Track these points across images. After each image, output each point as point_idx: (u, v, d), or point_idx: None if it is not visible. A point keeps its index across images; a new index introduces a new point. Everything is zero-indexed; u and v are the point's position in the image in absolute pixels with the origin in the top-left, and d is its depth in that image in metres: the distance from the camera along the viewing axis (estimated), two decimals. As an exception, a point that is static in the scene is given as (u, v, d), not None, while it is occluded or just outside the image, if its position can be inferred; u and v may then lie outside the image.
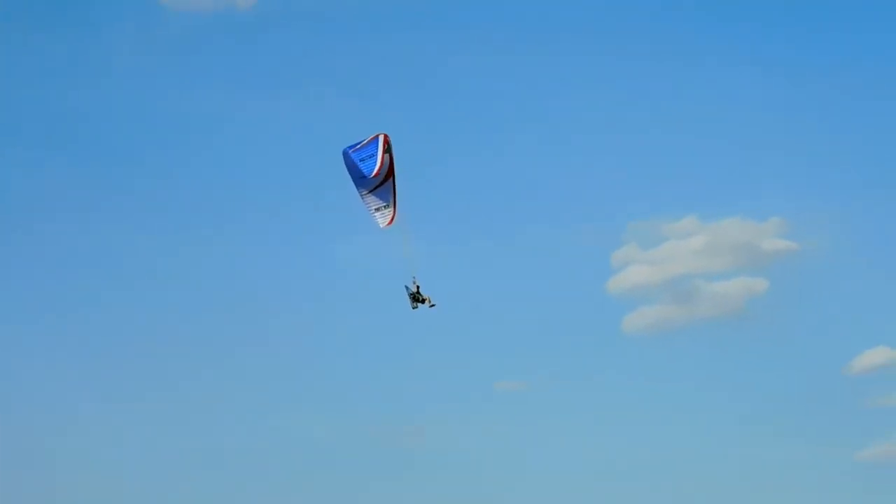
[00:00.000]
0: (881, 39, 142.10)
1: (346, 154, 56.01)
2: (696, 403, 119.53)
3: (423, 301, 60.63)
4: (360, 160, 55.21)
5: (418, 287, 60.67)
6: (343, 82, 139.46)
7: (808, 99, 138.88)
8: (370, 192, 56.53)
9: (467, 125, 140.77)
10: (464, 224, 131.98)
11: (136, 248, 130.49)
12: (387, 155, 55.04)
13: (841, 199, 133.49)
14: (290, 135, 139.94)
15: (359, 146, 55.56)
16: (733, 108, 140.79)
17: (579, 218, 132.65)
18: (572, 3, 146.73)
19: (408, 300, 60.78)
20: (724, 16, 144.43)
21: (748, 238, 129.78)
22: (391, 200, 56.52)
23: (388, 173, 55.83)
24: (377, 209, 56.92)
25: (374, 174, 54.54)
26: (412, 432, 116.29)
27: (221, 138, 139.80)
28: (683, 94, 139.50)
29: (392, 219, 56.52)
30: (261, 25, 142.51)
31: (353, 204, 57.05)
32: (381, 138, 55.06)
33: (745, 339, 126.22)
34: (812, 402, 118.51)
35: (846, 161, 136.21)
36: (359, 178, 55.97)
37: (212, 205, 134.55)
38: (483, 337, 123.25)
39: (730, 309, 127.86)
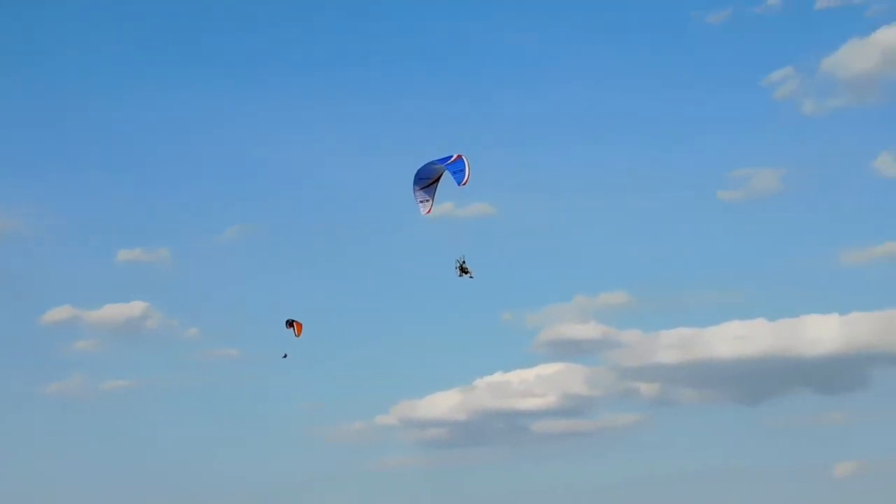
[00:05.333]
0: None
1: (433, 163, 73.28)
2: None
3: (466, 272, 78.41)
4: (453, 172, 72.09)
5: (464, 262, 78.52)
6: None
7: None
8: (421, 189, 75.52)
9: None
10: None
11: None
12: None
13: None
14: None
15: (450, 161, 72.10)
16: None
17: None
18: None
19: (455, 270, 78.57)
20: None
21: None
22: (433, 197, 75.76)
23: (438, 178, 74.93)
24: (422, 201, 75.78)
25: (462, 184, 71.44)
26: None
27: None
28: None
29: (430, 209, 75.84)
30: None
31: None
32: (465, 159, 71.87)
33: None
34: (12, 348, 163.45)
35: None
36: (421, 180, 74.95)
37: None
38: None
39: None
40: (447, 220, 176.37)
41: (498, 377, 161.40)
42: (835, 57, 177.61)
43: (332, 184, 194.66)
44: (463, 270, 78.71)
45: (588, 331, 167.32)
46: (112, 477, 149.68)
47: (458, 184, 71.64)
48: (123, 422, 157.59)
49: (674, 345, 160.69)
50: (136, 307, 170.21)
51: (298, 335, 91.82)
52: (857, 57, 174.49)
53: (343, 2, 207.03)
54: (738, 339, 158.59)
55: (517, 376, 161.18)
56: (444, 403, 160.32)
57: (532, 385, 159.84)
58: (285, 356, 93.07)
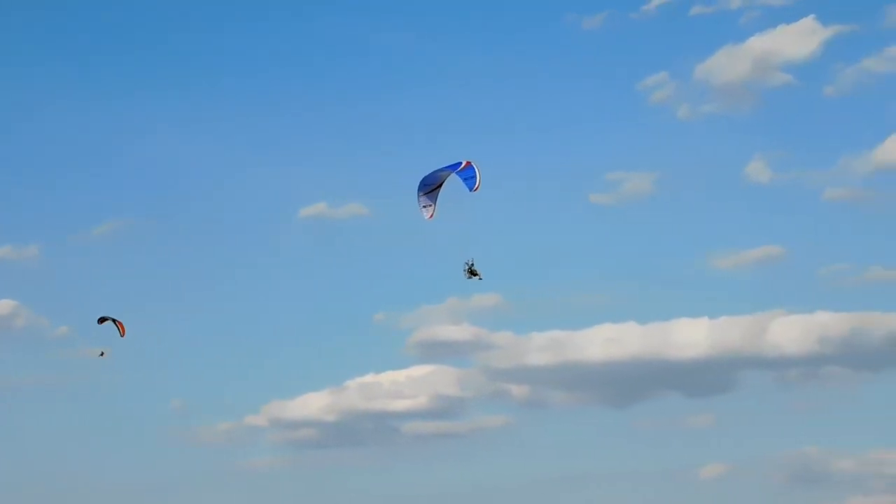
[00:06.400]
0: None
1: (440, 170, 75.33)
2: None
3: (475, 274, 79.97)
4: (465, 178, 74.07)
5: (473, 264, 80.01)
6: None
7: None
8: (425, 194, 76.91)
9: None
10: None
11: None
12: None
13: None
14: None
15: (460, 168, 74.37)
16: None
17: None
18: None
19: (464, 273, 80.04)
20: None
21: None
22: (435, 202, 77.03)
23: (442, 184, 76.72)
24: (425, 206, 77.12)
25: (474, 189, 73.60)
26: None
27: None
28: None
29: (432, 214, 77.04)
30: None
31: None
32: (475, 165, 74.22)
33: None
34: None
35: None
36: (426, 186, 76.46)
37: None
38: None
39: None
40: (321, 220, 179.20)
41: (369, 378, 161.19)
42: (709, 63, 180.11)
43: (207, 181, 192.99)
44: (472, 273, 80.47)
45: (460, 332, 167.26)
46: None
47: (470, 189, 74.09)
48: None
49: (545, 347, 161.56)
50: (5, 305, 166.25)
51: (123, 335, 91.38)
52: (730, 63, 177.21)
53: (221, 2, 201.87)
54: (608, 341, 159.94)
55: (388, 377, 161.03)
56: (314, 404, 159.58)
57: (403, 386, 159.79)
58: (102, 354, 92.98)
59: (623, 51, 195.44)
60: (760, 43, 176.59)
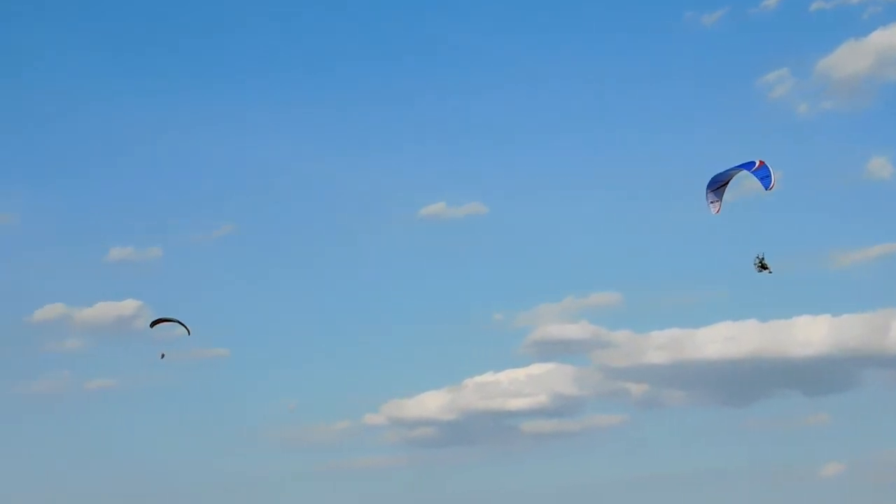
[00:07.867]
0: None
1: (731, 169, 79.01)
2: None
3: (766, 268, 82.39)
4: (760, 178, 76.46)
5: (763, 258, 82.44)
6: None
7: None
8: (713, 191, 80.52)
9: None
10: None
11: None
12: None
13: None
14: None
15: (755, 167, 77.00)
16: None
17: None
18: None
19: (755, 266, 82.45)
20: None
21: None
22: (721, 198, 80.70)
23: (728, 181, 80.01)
24: (712, 202, 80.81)
25: (770, 187, 75.70)
26: None
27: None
28: None
29: (719, 209, 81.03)
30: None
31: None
32: (768, 165, 76.34)
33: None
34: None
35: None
36: (715, 183, 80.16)
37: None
38: None
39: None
40: (439, 219, 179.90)
41: (488, 377, 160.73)
42: (830, 59, 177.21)
43: (327, 181, 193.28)
44: (763, 266, 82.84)
45: (578, 330, 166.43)
46: (88, 478, 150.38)
47: (766, 188, 76.08)
48: (104, 421, 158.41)
49: (663, 345, 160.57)
50: (128, 306, 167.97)
51: (189, 333, 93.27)
52: (852, 59, 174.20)
53: (325, 1, 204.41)
54: (727, 340, 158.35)
55: (507, 376, 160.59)
56: (433, 403, 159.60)
57: (522, 385, 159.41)
58: (163, 356, 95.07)
59: (742, 47, 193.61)
60: (883, 37, 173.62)
